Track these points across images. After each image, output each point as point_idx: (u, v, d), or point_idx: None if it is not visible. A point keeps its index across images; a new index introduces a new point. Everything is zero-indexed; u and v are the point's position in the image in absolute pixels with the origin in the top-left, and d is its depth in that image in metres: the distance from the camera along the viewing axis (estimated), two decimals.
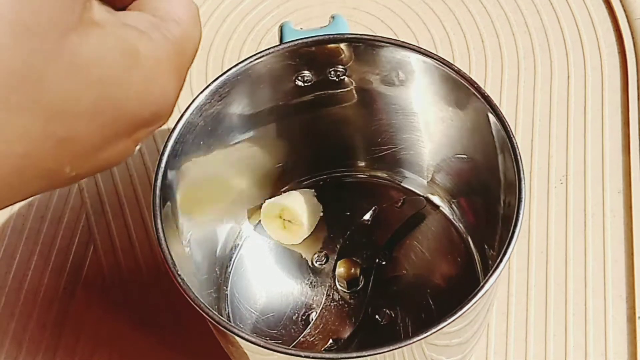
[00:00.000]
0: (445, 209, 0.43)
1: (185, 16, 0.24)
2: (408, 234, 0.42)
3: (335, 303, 0.40)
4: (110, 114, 0.21)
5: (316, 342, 0.38)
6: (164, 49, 0.22)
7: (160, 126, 0.24)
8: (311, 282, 0.42)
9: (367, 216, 0.42)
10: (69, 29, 0.19)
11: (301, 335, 0.38)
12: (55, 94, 0.19)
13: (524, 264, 0.44)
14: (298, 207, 0.41)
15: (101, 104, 0.20)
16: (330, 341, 0.38)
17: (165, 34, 0.22)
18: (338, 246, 0.42)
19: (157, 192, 0.33)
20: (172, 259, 0.32)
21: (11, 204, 0.22)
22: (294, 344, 0.38)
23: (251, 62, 0.36)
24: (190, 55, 0.24)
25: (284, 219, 0.42)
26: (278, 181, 0.44)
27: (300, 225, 0.41)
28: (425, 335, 0.30)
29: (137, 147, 0.24)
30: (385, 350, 0.30)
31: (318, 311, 0.39)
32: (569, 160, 0.47)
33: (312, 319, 0.39)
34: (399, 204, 0.42)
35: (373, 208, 0.42)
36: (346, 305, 0.39)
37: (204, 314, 0.31)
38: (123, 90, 0.21)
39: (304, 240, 0.42)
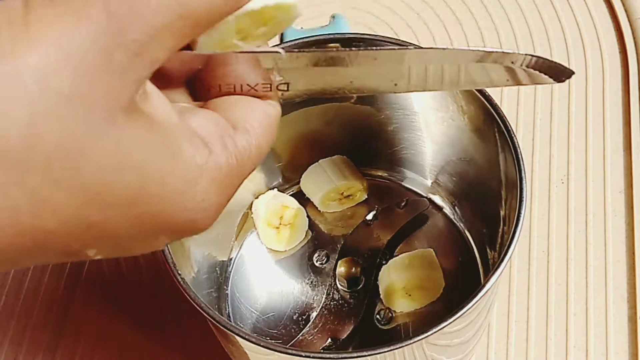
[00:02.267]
0: (446, 208, 0.43)
1: (261, 128, 0.22)
2: (410, 235, 0.42)
3: (335, 302, 0.39)
4: (144, 209, 0.20)
5: (315, 341, 0.38)
6: (216, 158, 0.21)
7: (195, 235, 0.22)
8: (312, 282, 0.41)
9: (369, 216, 0.42)
10: (118, 110, 0.19)
11: (300, 334, 0.38)
12: (95, 177, 0.19)
13: (525, 264, 0.44)
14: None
15: (135, 195, 0.20)
16: (329, 340, 0.38)
17: (228, 143, 0.21)
18: (339, 246, 0.42)
19: None
20: (172, 259, 0.32)
21: (25, 267, 0.21)
22: (292, 342, 0.38)
23: None
24: (249, 168, 0.22)
25: (280, 224, 0.42)
26: (280, 177, 0.44)
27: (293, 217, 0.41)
28: (426, 335, 0.29)
29: (164, 246, 0.23)
30: (385, 350, 0.29)
31: (318, 310, 0.39)
32: (570, 160, 0.47)
33: (312, 318, 0.39)
34: (402, 204, 0.42)
35: (375, 208, 0.42)
36: (346, 305, 0.39)
37: (205, 314, 0.31)
38: (161, 184, 0.20)
39: (297, 244, 0.42)
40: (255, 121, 0.22)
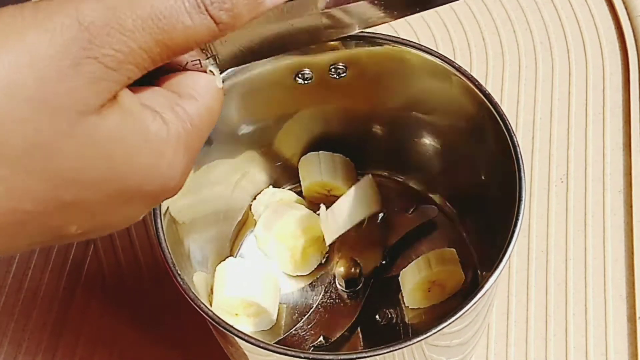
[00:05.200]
0: (445, 207, 0.43)
1: (204, 91, 0.24)
2: (416, 241, 0.42)
3: (332, 301, 0.39)
4: (116, 185, 0.22)
5: (307, 337, 0.38)
6: (174, 129, 0.23)
7: (169, 198, 0.25)
8: (311, 280, 0.41)
9: (377, 218, 0.42)
10: (90, 112, 0.21)
11: (293, 328, 0.38)
12: (65, 165, 0.21)
13: (524, 264, 0.44)
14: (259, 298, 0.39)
15: (108, 177, 0.22)
16: (321, 338, 0.38)
17: (179, 112, 0.23)
18: (342, 245, 0.42)
19: None
20: (172, 259, 0.32)
21: (16, 253, 0.23)
22: (284, 336, 0.38)
23: None
24: (205, 131, 0.25)
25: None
26: (278, 180, 0.44)
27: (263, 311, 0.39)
28: (426, 335, 0.30)
29: (143, 215, 0.25)
30: (386, 350, 0.29)
31: (313, 307, 0.39)
32: (569, 159, 0.47)
33: (307, 314, 0.39)
34: (411, 210, 0.42)
35: (383, 212, 0.42)
36: (342, 304, 0.39)
37: (204, 314, 0.31)
38: (129, 166, 0.22)
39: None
40: (199, 87, 0.25)
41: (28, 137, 0.20)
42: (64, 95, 0.20)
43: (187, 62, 0.25)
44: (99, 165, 0.21)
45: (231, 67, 0.27)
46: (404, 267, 0.40)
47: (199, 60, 0.25)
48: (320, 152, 0.42)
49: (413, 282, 0.39)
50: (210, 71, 0.26)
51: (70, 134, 0.20)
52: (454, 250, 0.40)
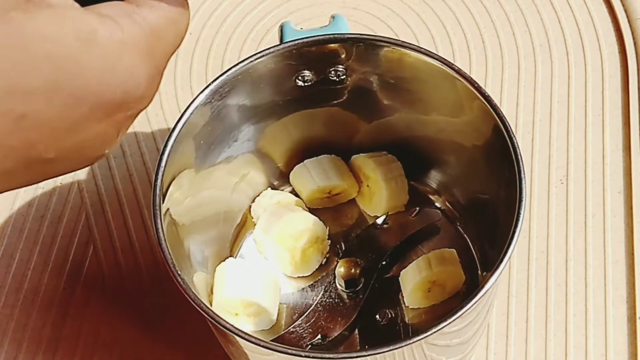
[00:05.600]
0: (445, 208, 0.43)
1: (165, 2, 0.24)
2: (418, 244, 0.42)
3: (331, 300, 0.39)
4: (68, 91, 0.21)
5: (304, 335, 0.38)
6: (130, 32, 0.22)
7: (140, 111, 0.24)
8: (312, 281, 0.41)
9: (379, 220, 0.42)
10: (13, 8, 0.20)
11: (291, 326, 0.38)
12: (3, 68, 0.20)
13: (525, 264, 0.44)
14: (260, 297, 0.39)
15: (55, 81, 0.21)
16: (319, 336, 0.38)
17: (136, 18, 0.23)
18: (339, 244, 0.42)
19: (157, 191, 0.33)
20: (172, 259, 0.32)
21: (2, 191, 0.22)
22: (282, 333, 0.38)
23: (251, 62, 0.36)
24: (168, 41, 0.24)
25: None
26: (278, 180, 0.44)
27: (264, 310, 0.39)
28: (426, 335, 0.30)
29: (121, 134, 0.24)
30: (385, 350, 0.30)
31: (312, 306, 0.39)
32: (569, 160, 0.47)
33: (306, 313, 0.39)
34: (414, 213, 0.42)
35: (386, 214, 0.42)
36: (341, 304, 0.39)
37: (204, 314, 0.31)
38: (78, 69, 0.21)
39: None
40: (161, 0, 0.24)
41: None
42: None
43: None
44: (40, 68, 0.20)
45: None
46: (404, 268, 0.40)
47: None
48: (305, 161, 0.43)
49: (413, 282, 0.39)
50: None
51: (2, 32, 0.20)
52: (454, 250, 0.40)
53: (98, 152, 0.24)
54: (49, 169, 0.23)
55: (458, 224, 0.42)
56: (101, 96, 0.22)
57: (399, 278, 0.40)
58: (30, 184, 0.24)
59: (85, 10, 0.22)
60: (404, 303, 0.40)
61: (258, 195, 0.43)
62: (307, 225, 0.41)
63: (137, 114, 0.24)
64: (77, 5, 0.22)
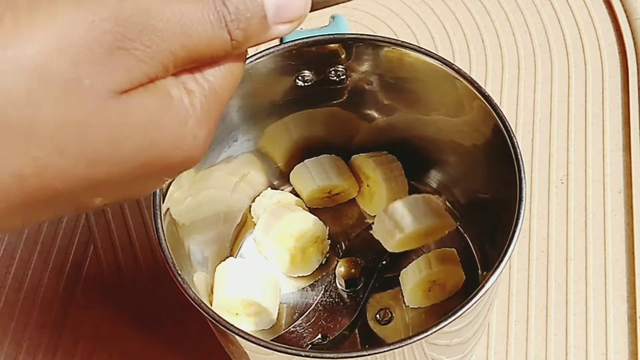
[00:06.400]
0: (446, 209, 0.43)
1: (225, 60, 0.24)
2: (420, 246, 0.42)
3: (331, 300, 0.39)
4: (146, 158, 0.22)
5: (305, 335, 0.38)
6: (198, 98, 0.23)
7: (190, 168, 0.24)
8: (312, 280, 0.41)
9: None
10: (120, 92, 0.21)
11: (292, 325, 0.38)
12: (99, 143, 0.21)
13: (525, 264, 0.44)
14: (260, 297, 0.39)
15: (138, 152, 0.22)
16: (319, 336, 0.38)
17: (198, 79, 0.23)
18: (344, 245, 0.42)
19: (157, 191, 0.33)
20: (172, 258, 0.32)
21: (37, 224, 0.23)
22: (282, 332, 0.38)
23: (251, 62, 0.36)
24: (226, 97, 0.24)
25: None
26: (279, 179, 0.44)
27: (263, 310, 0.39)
28: (426, 334, 0.30)
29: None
30: (385, 349, 0.29)
31: (313, 305, 0.39)
32: (569, 160, 0.47)
33: (306, 312, 0.39)
34: None
35: None
36: (342, 304, 0.39)
37: (205, 313, 0.31)
38: (159, 136, 0.22)
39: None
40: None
41: (60, 117, 0.20)
42: (96, 76, 0.20)
43: None
44: (133, 139, 0.22)
45: None
46: (404, 267, 0.40)
47: None
48: (306, 160, 0.43)
49: (413, 281, 0.39)
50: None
51: (102, 112, 0.21)
52: (454, 250, 0.40)
53: (138, 197, 0.25)
54: (88, 210, 0.24)
55: (458, 223, 0.42)
56: (167, 160, 0.23)
57: (399, 277, 0.40)
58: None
59: (169, 79, 0.22)
60: (404, 302, 0.40)
61: (258, 195, 0.43)
62: (307, 225, 0.41)
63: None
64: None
